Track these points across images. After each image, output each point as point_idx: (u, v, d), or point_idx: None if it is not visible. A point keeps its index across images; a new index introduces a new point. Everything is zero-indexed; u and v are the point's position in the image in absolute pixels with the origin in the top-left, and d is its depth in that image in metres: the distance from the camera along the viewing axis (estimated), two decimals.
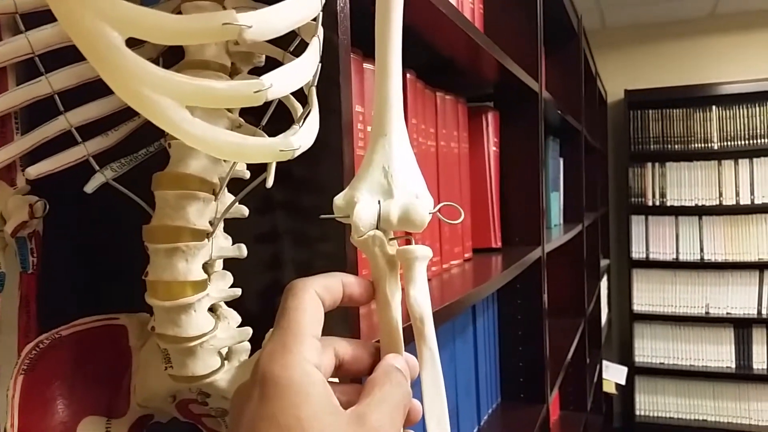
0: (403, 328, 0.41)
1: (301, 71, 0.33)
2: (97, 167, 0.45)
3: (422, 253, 0.40)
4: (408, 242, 0.41)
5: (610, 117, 3.86)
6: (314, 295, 0.35)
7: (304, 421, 0.30)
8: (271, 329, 0.34)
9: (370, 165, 0.41)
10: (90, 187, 0.45)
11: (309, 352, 0.33)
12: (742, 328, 3.47)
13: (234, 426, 0.32)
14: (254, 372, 0.32)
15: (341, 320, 0.49)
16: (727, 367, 3.50)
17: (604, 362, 3.05)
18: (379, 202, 0.40)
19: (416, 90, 0.89)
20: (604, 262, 3.29)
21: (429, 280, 0.92)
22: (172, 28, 0.27)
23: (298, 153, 0.33)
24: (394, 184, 0.40)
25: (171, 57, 0.45)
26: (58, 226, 0.53)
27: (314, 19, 0.37)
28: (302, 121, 0.36)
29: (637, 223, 3.65)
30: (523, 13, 1.40)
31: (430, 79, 0.97)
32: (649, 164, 3.63)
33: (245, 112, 0.46)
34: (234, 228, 0.46)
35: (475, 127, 1.23)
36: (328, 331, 0.38)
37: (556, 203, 2.02)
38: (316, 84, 0.40)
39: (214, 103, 0.28)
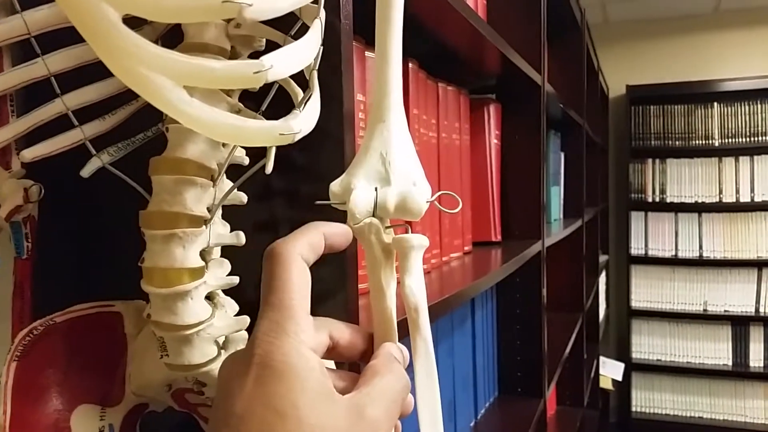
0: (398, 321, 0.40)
1: (302, 53, 0.32)
2: (93, 151, 0.44)
3: (419, 242, 0.39)
4: (405, 231, 0.40)
5: (611, 112, 3.85)
6: (300, 262, 0.34)
7: (301, 409, 0.29)
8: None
9: (367, 151, 0.40)
10: (86, 172, 0.45)
11: (305, 334, 0.32)
12: (740, 326, 3.47)
13: (225, 406, 0.31)
14: (247, 352, 0.32)
15: (340, 310, 0.48)
16: (723, 364, 3.50)
17: (601, 358, 3.05)
18: (376, 189, 0.39)
19: (418, 80, 0.88)
20: (602, 258, 3.29)
21: (428, 272, 0.92)
22: (169, 4, 0.26)
23: (298, 137, 0.33)
24: (392, 171, 0.40)
25: (170, 41, 0.44)
26: (54, 211, 0.52)
27: (315, 2, 0.36)
28: (303, 105, 0.35)
29: (636, 219, 3.64)
30: (527, 5, 1.39)
31: (432, 70, 0.96)
32: (650, 160, 3.62)
33: (245, 98, 0.45)
34: (233, 215, 0.45)
35: (477, 119, 1.22)
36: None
37: (556, 198, 2.02)
38: (317, 68, 0.39)
39: (212, 83, 0.28)
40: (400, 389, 0.35)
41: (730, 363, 3.50)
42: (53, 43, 0.45)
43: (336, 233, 0.38)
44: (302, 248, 0.34)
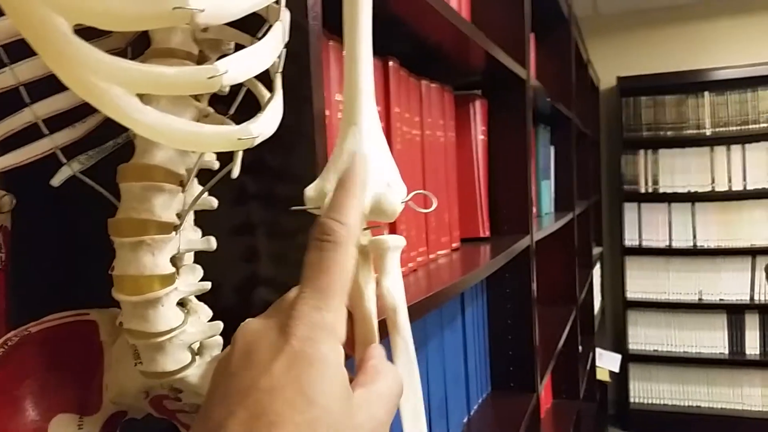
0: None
1: (259, 57, 0.32)
2: (64, 160, 0.44)
3: (395, 243, 0.40)
4: (381, 232, 0.40)
5: (602, 104, 3.85)
6: (354, 251, 0.34)
7: (328, 398, 0.30)
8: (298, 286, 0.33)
9: (341, 155, 0.40)
10: (57, 180, 0.44)
11: (341, 328, 0.32)
12: (735, 314, 3.48)
13: (246, 375, 0.30)
14: (280, 329, 0.31)
15: None
16: (720, 353, 3.51)
17: (598, 350, 3.06)
18: None
19: (399, 78, 0.88)
20: (596, 250, 3.29)
21: (414, 270, 0.91)
22: (119, 13, 0.26)
23: (257, 141, 0.32)
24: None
25: (140, 46, 0.44)
26: (27, 221, 0.52)
27: (277, 2, 0.36)
28: (264, 108, 0.35)
29: (629, 210, 3.64)
30: (511, 0, 1.39)
31: (414, 68, 0.96)
32: (642, 151, 3.62)
33: (217, 101, 0.45)
34: (206, 220, 0.45)
35: (462, 115, 1.22)
36: None
37: (547, 191, 2.02)
38: (283, 71, 0.39)
39: (166, 90, 0.27)
40: (399, 391, 0.36)
41: (726, 351, 3.51)
42: (25, 50, 0.44)
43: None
44: (358, 232, 0.35)
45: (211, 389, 0.32)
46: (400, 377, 0.36)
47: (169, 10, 0.26)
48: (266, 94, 0.42)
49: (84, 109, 0.46)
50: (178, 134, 0.28)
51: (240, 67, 0.29)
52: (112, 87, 0.27)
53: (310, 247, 0.34)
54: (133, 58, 0.46)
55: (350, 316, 0.40)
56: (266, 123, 0.33)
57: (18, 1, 0.26)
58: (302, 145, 0.47)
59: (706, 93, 3.49)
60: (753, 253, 3.43)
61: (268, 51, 0.33)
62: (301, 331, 0.31)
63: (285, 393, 0.29)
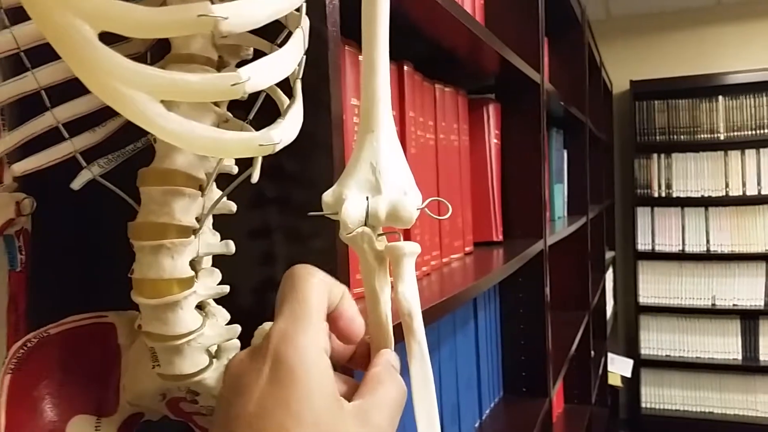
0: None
1: (281, 63, 0.32)
2: (84, 163, 0.45)
3: (410, 249, 0.40)
4: (397, 238, 0.41)
5: (615, 108, 3.83)
6: (322, 285, 0.35)
7: (316, 413, 0.30)
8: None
9: (358, 161, 0.41)
10: (76, 184, 0.45)
11: (321, 335, 0.33)
12: (749, 319, 3.46)
13: (237, 403, 0.31)
14: (260, 349, 0.32)
15: None
16: (733, 359, 3.48)
17: (610, 355, 3.04)
18: (367, 198, 0.40)
19: (414, 82, 0.88)
20: (609, 254, 3.28)
21: (428, 274, 0.92)
22: (144, 20, 0.26)
23: (278, 147, 0.33)
24: (383, 180, 0.40)
25: (160, 51, 0.45)
26: (47, 224, 0.53)
27: (298, 10, 0.36)
28: (285, 114, 0.35)
29: (642, 214, 3.63)
30: (525, 4, 1.39)
31: (428, 72, 0.96)
32: (655, 155, 3.60)
33: (237, 107, 0.45)
34: (223, 224, 0.46)
35: (476, 119, 1.22)
36: None
37: (559, 195, 2.01)
38: (302, 76, 0.39)
39: (190, 97, 0.28)
40: (401, 398, 0.36)
41: (740, 357, 3.48)
42: (45, 54, 0.45)
43: (350, 311, 0.38)
44: (326, 280, 0.36)
45: (213, 422, 0.34)
46: (402, 384, 0.37)
47: (194, 17, 0.27)
48: (285, 100, 0.42)
49: (104, 113, 0.46)
50: (200, 140, 0.28)
51: (262, 74, 0.30)
52: (137, 93, 0.27)
53: (281, 284, 0.35)
54: (152, 63, 0.46)
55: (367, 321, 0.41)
56: (287, 129, 0.34)
57: (44, 7, 0.26)
58: (320, 151, 0.47)
59: (720, 97, 3.47)
60: (767, 258, 3.40)
61: (290, 58, 0.33)
62: (282, 347, 0.31)
63: (274, 414, 0.30)
